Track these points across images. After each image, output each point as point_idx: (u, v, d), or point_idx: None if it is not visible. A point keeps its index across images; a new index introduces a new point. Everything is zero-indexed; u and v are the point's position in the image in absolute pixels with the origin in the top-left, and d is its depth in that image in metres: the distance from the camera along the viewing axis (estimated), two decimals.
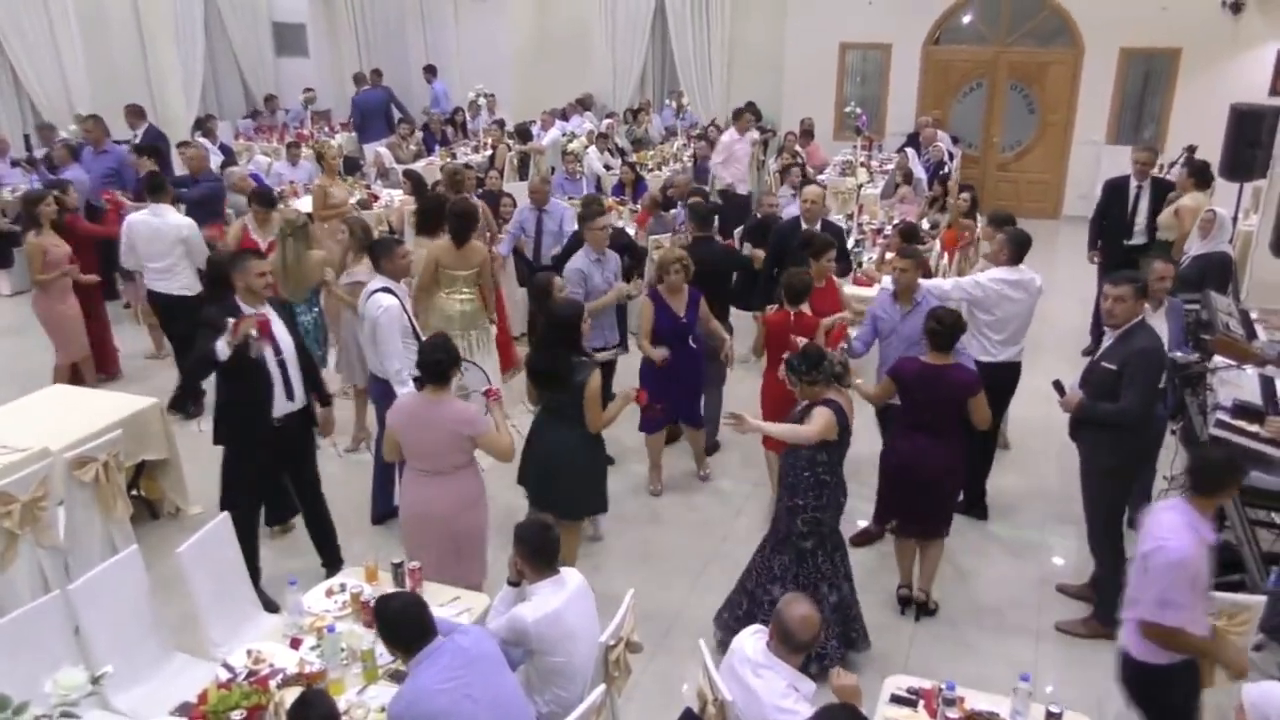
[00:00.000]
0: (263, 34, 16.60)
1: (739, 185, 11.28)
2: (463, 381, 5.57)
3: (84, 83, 12.56)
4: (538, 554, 3.68)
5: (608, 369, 6.48)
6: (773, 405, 5.63)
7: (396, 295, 5.50)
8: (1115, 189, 8.46)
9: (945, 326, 4.78)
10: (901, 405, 4.99)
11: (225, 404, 4.95)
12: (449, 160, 11.53)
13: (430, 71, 15.92)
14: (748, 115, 11.40)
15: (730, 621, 4.72)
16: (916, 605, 5.17)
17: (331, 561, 5.29)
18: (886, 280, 6.62)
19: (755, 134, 13.91)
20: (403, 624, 3.23)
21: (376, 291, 5.46)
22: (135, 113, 10.51)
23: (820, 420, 4.41)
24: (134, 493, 5.82)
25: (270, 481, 5.20)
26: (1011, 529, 5.97)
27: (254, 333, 4.66)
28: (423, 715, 3.12)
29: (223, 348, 4.59)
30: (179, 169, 9.71)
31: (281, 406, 4.91)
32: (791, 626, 3.33)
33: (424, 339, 5.05)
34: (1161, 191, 8.30)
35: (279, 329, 4.91)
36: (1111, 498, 4.88)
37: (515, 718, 3.31)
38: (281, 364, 4.89)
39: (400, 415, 4.51)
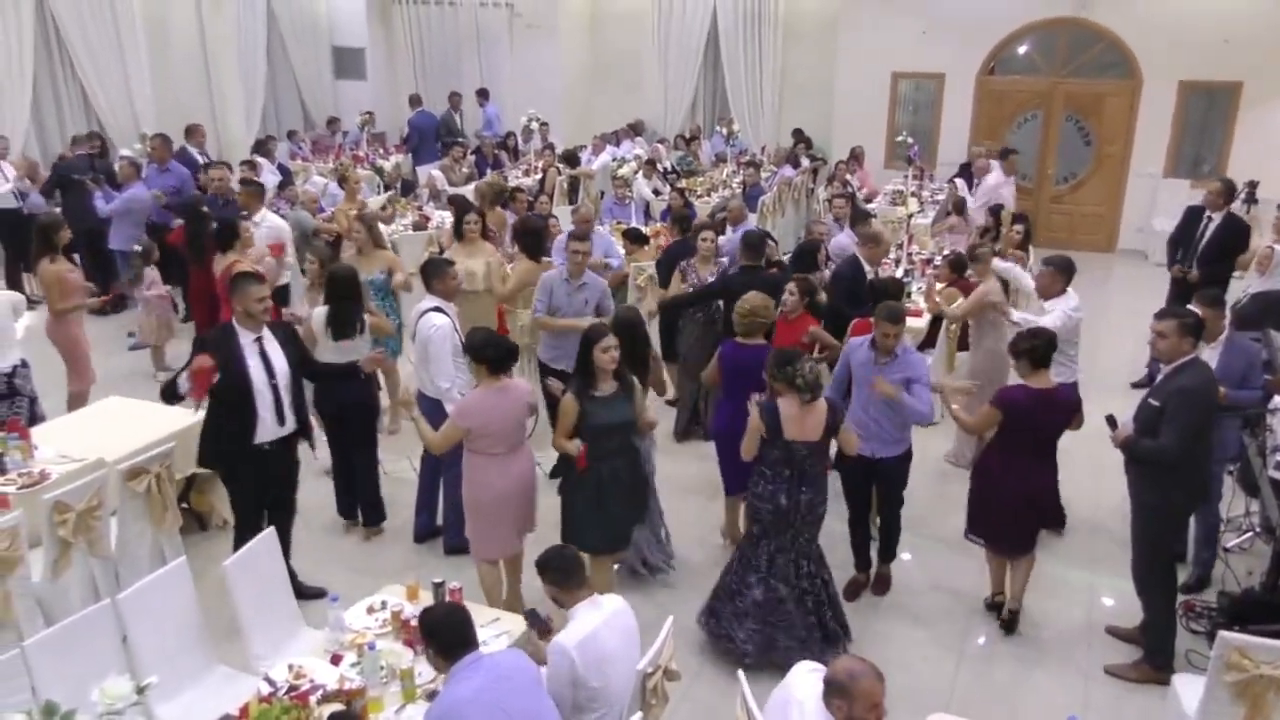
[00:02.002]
0: (323, 57, 16.96)
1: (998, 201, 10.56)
2: None
3: (149, 101, 12.90)
4: (568, 575, 3.70)
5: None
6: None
7: (447, 315, 5.58)
8: (1193, 214, 8.58)
9: (1045, 342, 4.96)
10: (1007, 431, 4.98)
11: (210, 425, 5.01)
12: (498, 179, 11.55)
13: (483, 95, 16.15)
14: (1014, 155, 10.76)
15: (707, 615, 5.05)
16: (1010, 614, 5.27)
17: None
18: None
19: (806, 162, 13.94)
20: (445, 629, 3.27)
21: (429, 311, 5.54)
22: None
23: (751, 431, 4.76)
24: (184, 505, 5.91)
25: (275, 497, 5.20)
26: (1062, 566, 5.85)
27: (186, 385, 4.71)
28: None
29: (183, 384, 4.73)
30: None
31: (270, 431, 4.91)
32: (841, 679, 3.11)
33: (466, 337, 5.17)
34: (1234, 231, 8.17)
35: (274, 353, 4.91)
36: (1156, 536, 4.77)
37: None
38: (274, 388, 4.88)
39: (478, 409, 4.75)
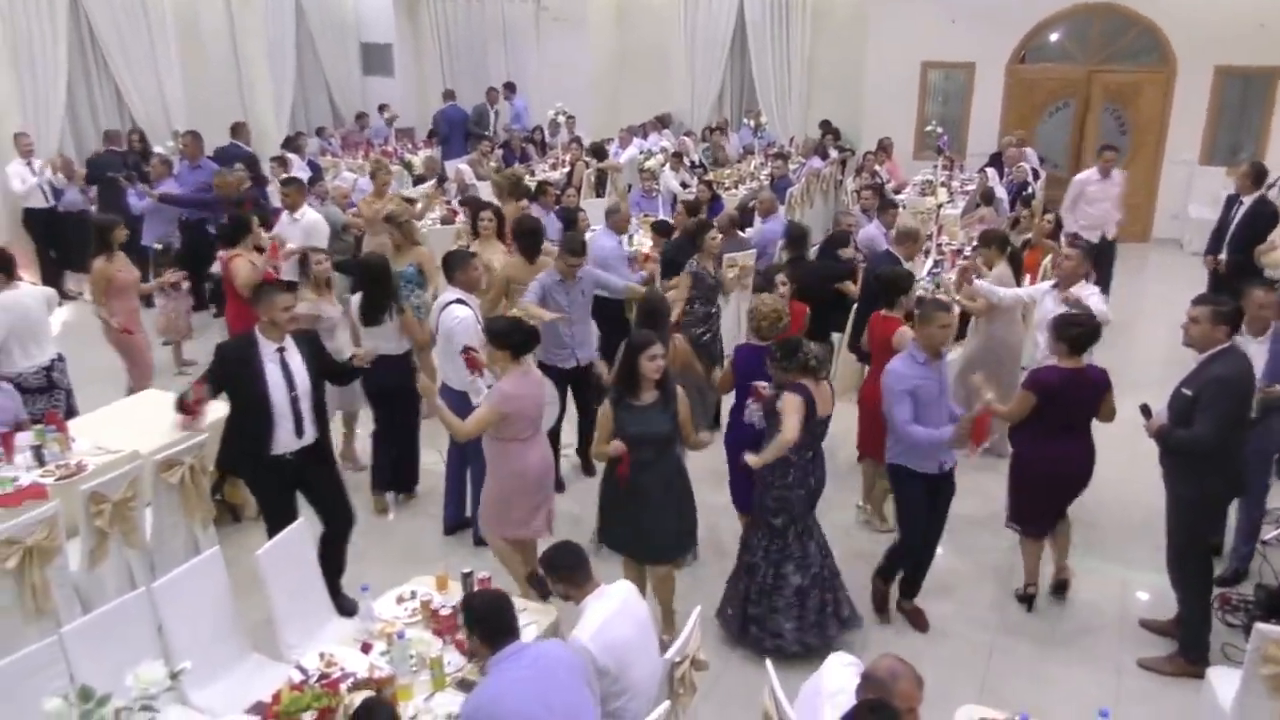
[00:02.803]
0: (351, 54, 17.07)
1: (1097, 231, 9.61)
2: None
3: (181, 98, 13.04)
4: (574, 571, 3.70)
5: (581, 380, 6.48)
6: (876, 404, 5.65)
7: (470, 306, 5.62)
8: (1231, 201, 8.52)
9: (1089, 328, 5.00)
10: (1042, 414, 4.95)
11: (228, 431, 5.01)
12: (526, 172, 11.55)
13: (510, 89, 16.19)
14: (1110, 152, 9.78)
15: (728, 610, 5.04)
16: (1062, 583, 5.40)
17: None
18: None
19: (834, 154, 13.86)
20: (488, 616, 3.28)
21: (451, 303, 5.59)
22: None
23: (792, 414, 4.61)
24: (217, 497, 5.98)
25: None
26: (1096, 559, 5.78)
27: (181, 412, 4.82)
28: (496, 717, 3.12)
29: (190, 396, 4.78)
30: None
31: (287, 443, 4.81)
32: (881, 676, 3.09)
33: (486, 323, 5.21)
34: (1262, 216, 8.04)
35: (295, 364, 4.79)
36: (1191, 528, 4.71)
37: None
38: (294, 400, 4.77)
39: (515, 394, 4.78)
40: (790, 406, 4.63)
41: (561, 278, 6.15)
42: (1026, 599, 5.36)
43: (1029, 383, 5.02)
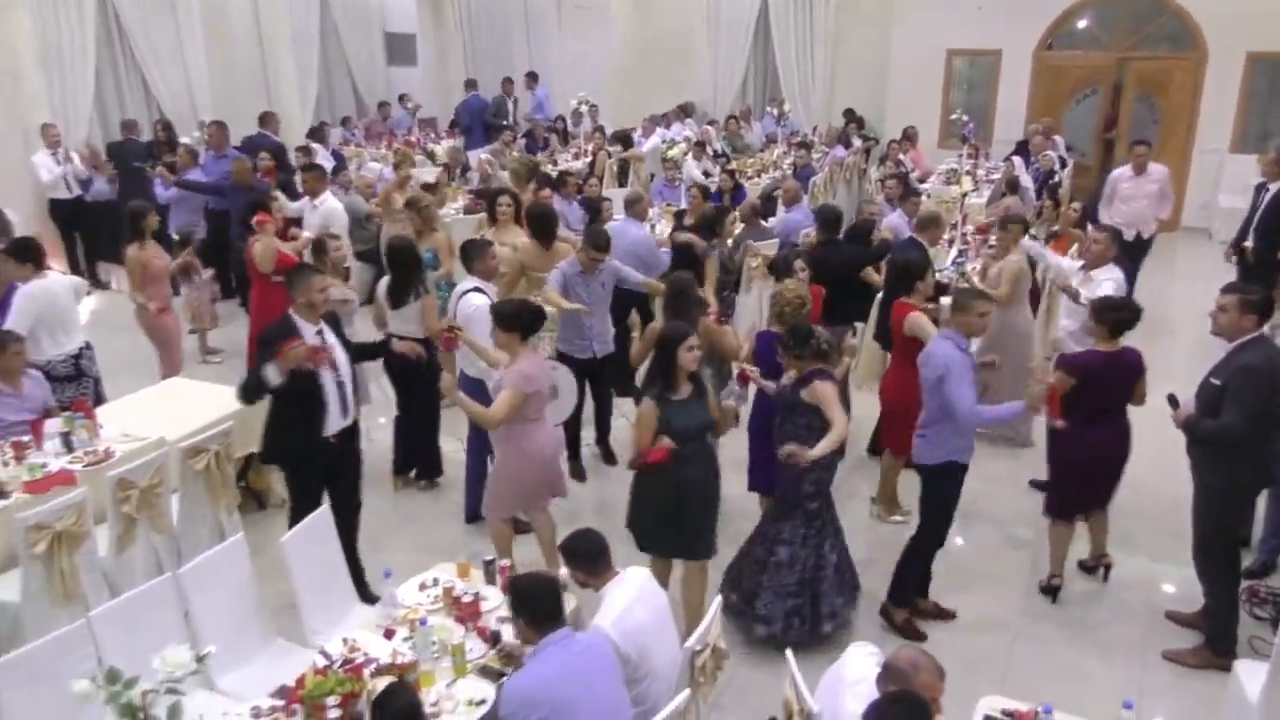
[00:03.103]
0: (375, 43, 17.11)
1: (1132, 229, 9.23)
2: (554, 380, 5.71)
3: (206, 88, 13.13)
4: (596, 557, 3.69)
5: (598, 372, 6.47)
6: (896, 395, 5.77)
7: (487, 295, 5.65)
8: (1259, 189, 8.47)
9: (1129, 312, 5.03)
10: (1081, 398, 4.93)
11: (277, 422, 4.88)
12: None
13: (532, 78, 16.19)
14: (1142, 147, 9.45)
15: (732, 594, 4.98)
16: (1106, 568, 5.47)
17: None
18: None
19: (858, 142, 13.77)
20: (534, 599, 3.28)
21: (469, 291, 5.65)
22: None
23: (834, 403, 4.65)
24: (242, 484, 6.05)
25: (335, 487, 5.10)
26: (1120, 551, 5.73)
27: (311, 352, 4.62)
28: (538, 702, 3.13)
29: (273, 375, 4.55)
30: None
31: (336, 423, 4.85)
32: (903, 667, 3.09)
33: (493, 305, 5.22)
34: None
35: (334, 343, 4.84)
36: (1219, 518, 4.66)
37: None
38: (339, 383, 4.83)
39: (532, 374, 4.84)
40: (828, 395, 4.63)
41: (582, 269, 6.15)
42: (1051, 590, 5.32)
43: (1070, 367, 4.97)
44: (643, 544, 4.84)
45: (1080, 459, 5.07)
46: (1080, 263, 6.55)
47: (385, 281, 6.22)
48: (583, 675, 3.19)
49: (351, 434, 5.05)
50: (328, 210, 8.32)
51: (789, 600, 4.82)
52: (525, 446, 4.92)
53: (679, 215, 8.86)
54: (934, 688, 3.03)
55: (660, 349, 4.61)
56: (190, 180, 9.83)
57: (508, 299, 5.26)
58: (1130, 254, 8.74)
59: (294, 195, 9.47)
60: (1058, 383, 4.89)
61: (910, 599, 5.11)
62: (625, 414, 7.15)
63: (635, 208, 7.67)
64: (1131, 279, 8.70)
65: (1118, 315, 4.97)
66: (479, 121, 15.15)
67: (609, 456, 6.83)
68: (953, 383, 4.63)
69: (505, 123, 14.66)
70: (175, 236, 9.20)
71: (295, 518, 4.92)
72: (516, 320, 4.83)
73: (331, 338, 4.85)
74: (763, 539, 4.94)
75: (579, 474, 6.53)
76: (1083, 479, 5.15)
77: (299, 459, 4.92)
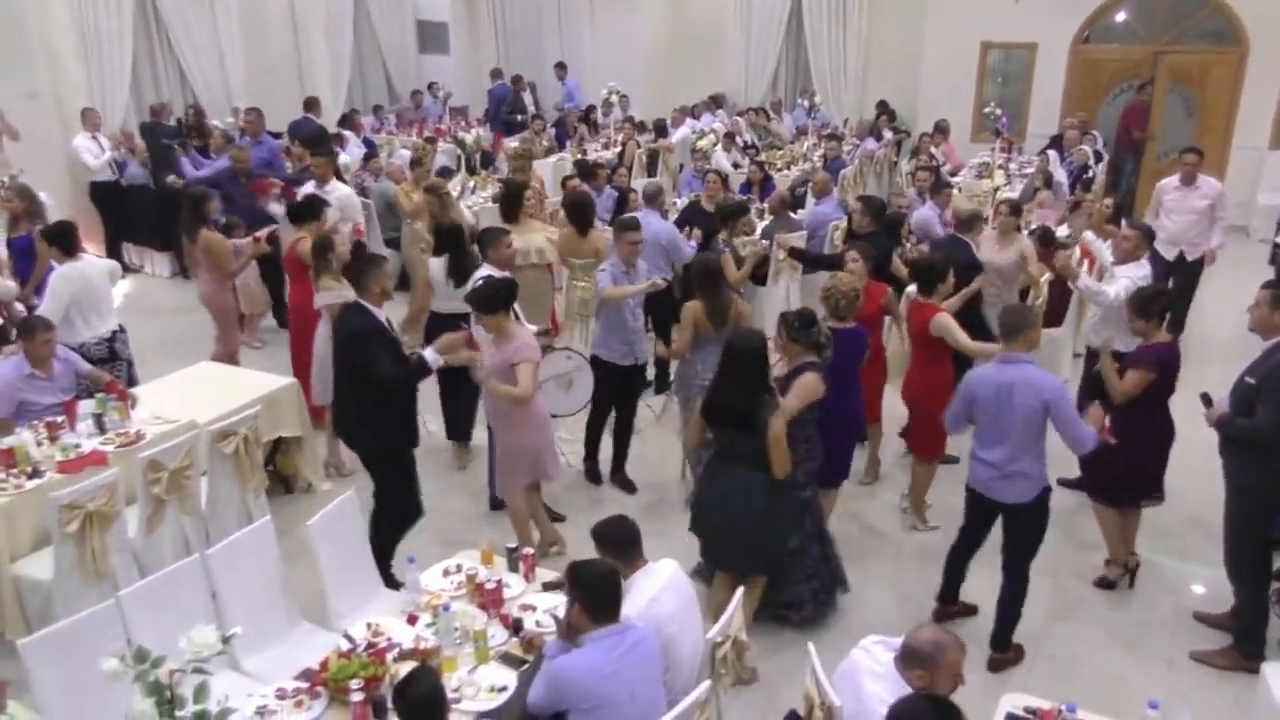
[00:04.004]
0: (408, 32, 17.16)
1: (1174, 247, 8.29)
2: (569, 372, 5.74)
3: (241, 75, 13.23)
4: (628, 545, 3.68)
5: (630, 381, 6.28)
6: (924, 396, 5.73)
7: None
8: None
9: (1168, 295, 5.18)
10: (1157, 389, 4.95)
11: (380, 414, 4.78)
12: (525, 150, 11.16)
13: (561, 69, 16.19)
14: (1193, 155, 8.22)
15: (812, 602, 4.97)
16: (1132, 573, 5.39)
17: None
18: None
19: (889, 135, 13.66)
20: (598, 587, 3.27)
21: (484, 279, 5.66)
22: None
23: (799, 390, 4.63)
24: (270, 467, 6.11)
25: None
26: (1149, 551, 5.67)
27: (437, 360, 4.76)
28: (583, 692, 3.16)
29: (434, 358, 4.73)
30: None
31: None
32: (926, 649, 3.09)
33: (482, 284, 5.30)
34: None
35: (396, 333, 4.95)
36: (1251, 520, 4.58)
37: None
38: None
39: (532, 340, 5.03)
40: (804, 387, 4.66)
41: (626, 268, 6.03)
42: (1131, 571, 5.36)
43: (1150, 361, 4.91)
44: (728, 565, 4.74)
45: (1155, 442, 5.09)
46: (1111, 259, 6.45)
47: (441, 263, 6.30)
48: (630, 676, 3.20)
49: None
50: (340, 197, 8.26)
51: (812, 581, 4.94)
52: (530, 413, 5.06)
53: (694, 202, 8.74)
54: (958, 662, 3.08)
55: (755, 364, 4.45)
56: (199, 175, 9.87)
57: (480, 285, 5.26)
58: (1174, 276, 8.16)
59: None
60: (1134, 384, 4.94)
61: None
62: (649, 404, 7.15)
63: (657, 199, 7.66)
64: (1184, 302, 8.42)
65: (1162, 302, 5.03)
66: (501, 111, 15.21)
67: (628, 485, 6.40)
68: (1067, 408, 4.37)
69: (520, 118, 14.67)
70: (221, 220, 9.26)
71: (391, 518, 4.99)
72: (497, 300, 4.97)
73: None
74: None
75: (630, 486, 6.38)
76: (1159, 460, 5.18)
77: (406, 455, 5.00)
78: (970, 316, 6.12)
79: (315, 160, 8.64)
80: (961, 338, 5.55)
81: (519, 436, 5.12)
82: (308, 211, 7.02)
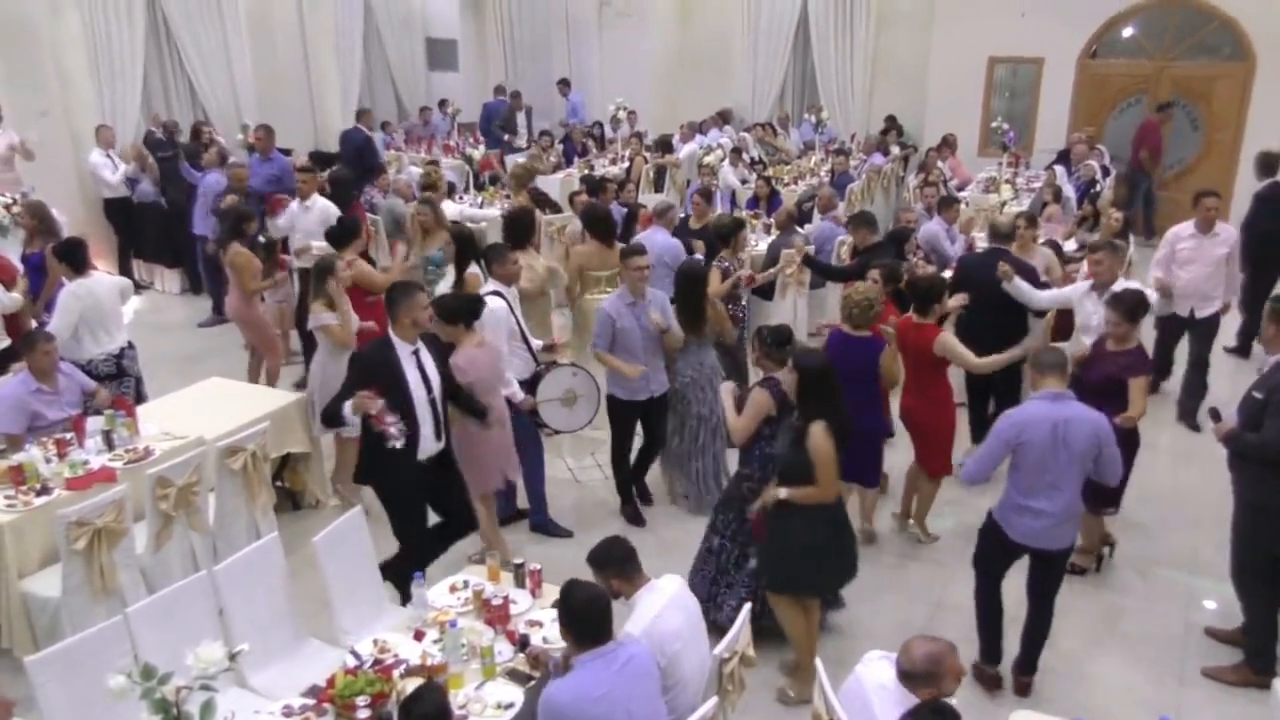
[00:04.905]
0: (417, 48, 17.28)
1: (1186, 303, 7.27)
2: (575, 386, 5.75)
3: (251, 91, 13.31)
4: (627, 562, 3.65)
5: (655, 410, 6.06)
6: (927, 416, 5.74)
7: (505, 299, 5.70)
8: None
9: (1139, 297, 5.29)
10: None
11: (371, 443, 4.67)
12: (526, 162, 11.01)
13: (565, 85, 16.27)
14: (1212, 199, 7.24)
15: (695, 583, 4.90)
16: (1109, 549, 5.59)
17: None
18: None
19: (896, 150, 13.68)
20: (586, 616, 3.25)
21: (488, 294, 5.70)
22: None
23: (750, 409, 4.68)
24: (278, 483, 6.11)
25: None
26: (1161, 566, 5.65)
27: (375, 414, 4.46)
28: (577, 717, 3.13)
29: (349, 414, 4.52)
30: None
31: (430, 446, 4.76)
32: (927, 668, 3.10)
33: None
34: None
35: (429, 364, 4.74)
36: (1257, 536, 4.56)
37: None
38: (432, 402, 4.74)
39: (466, 366, 5.06)
40: (755, 403, 4.68)
41: (632, 299, 5.81)
42: (1080, 570, 5.44)
43: (1147, 369, 5.13)
44: (803, 586, 4.54)
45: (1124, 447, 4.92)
46: (1088, 283, 6.18)
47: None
48: (623, 695, 3.17)
49: (444, 457, 4.93)
50: (320, 210, 8.19)
51: (711, 588, 4.94)
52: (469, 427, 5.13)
53: (684, 221, 8.68)
54: (958, 664, 3.12)
55: (820, 382, 4.32)
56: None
57: (447, 295, 5.52)
58: (1186, 334, 7.41)
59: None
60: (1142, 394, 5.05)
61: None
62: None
63: (665, 216, 7.67)
64: (1200, 368, 7.39)
65: (1140, 306, 5.20)
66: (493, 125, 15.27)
67: (645, 495, 6.38)
68: (1114, 445, 4.26)
69: (506, 136, 14.69)
70: (262, 239, 9.32)
71: (409, 549, 4.86)
72: (459, 314, 5.12)
73: (427, 359, 4.75)
74: (708, 527, 5.08)
75: (638, 519, 6.18)
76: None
77: (394, 482, 4.80)
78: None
79: (299, 177, 8.66)
80: (967, 355, 5.54)
81: (475, 447, 5.18)
82: (348, 233, 6.85)
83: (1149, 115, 12.69)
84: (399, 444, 4.47)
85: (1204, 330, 7.28)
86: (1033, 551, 4.39)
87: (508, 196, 11.07)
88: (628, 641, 3.32)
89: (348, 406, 4.49)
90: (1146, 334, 6.55)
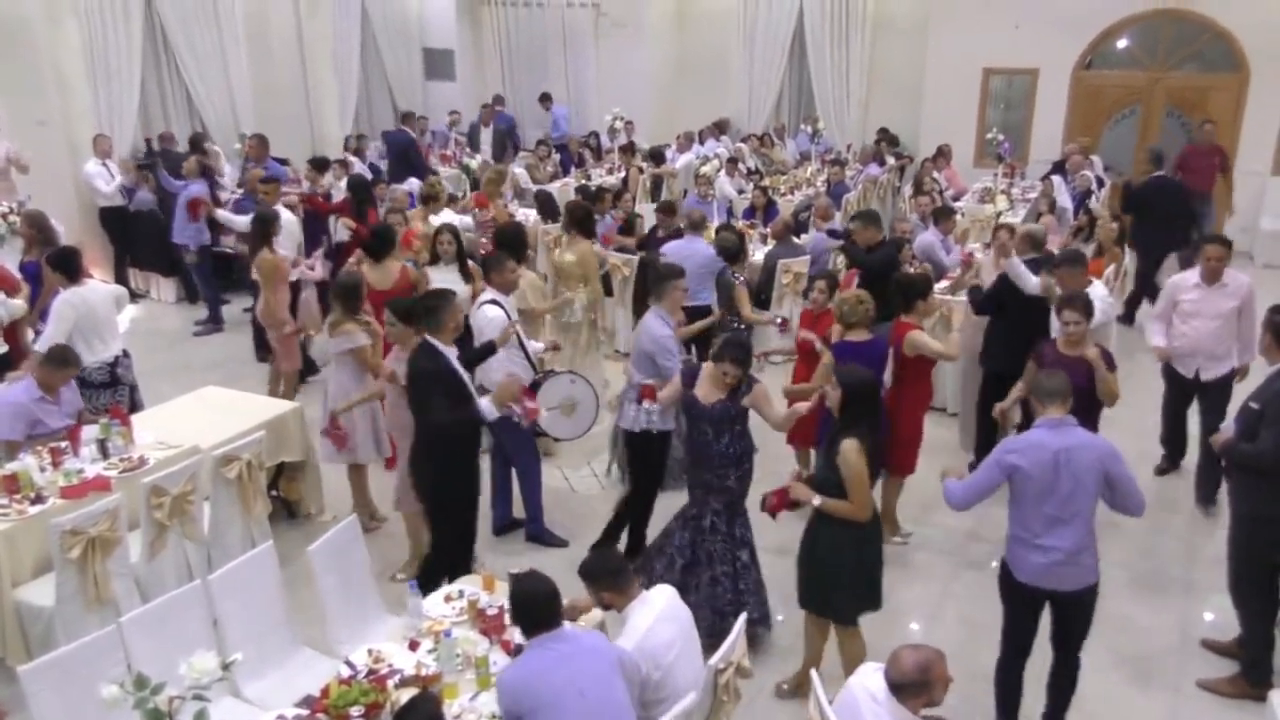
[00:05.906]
0: (414, 59, 17.29)
1: (1191, 361, 6.28)
2: (573, 394, 5.73)
3: (249, 101, 13.33)
4: (617, 576, 3.64)
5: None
6: (902, 414, 5.73)
7: (503, 307, 5.70)
8: None
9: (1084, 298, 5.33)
10: None
11: (440, 457, 4.75)
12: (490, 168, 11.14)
13: (546, 99, 16.30)
14: (1218, 248, 6.15)
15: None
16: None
17: None
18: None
19: (891, 160, 13.72)
20: (530, 605, 3.33)
21: (486, 303, 5.71)
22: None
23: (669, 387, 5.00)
24: (273, 493, 6.10)
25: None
26: (1157, 578, 5.65)
27: (518, 410, 4.72)
28: (528, 695, 3.17)
29: (489, 409, 4.69)
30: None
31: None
32: (918, 677, 3.10)
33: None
34: None
35: (462, 369, 4.88)
36: (1253, 546, 4.56)
37: None
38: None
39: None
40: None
41: (671, 317, 5.59)
42: None
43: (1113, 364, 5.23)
44: (856, 608, 4.43)
45: None
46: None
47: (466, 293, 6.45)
48: (572, 670, 3.20)
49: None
50: (284, 222, 8.12)
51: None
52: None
53: (653, 230, 8.70)
54: (945, 671, 3.14)
55: (867, 397, 4.31)
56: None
57: (401, 298, 5.57)
58: (1199, 401, 6.43)
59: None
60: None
61: None
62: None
63: (700, 227, 7.70)
64: (1211, 452, 5.96)
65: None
66: (498, 138, 15.30)
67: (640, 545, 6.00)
68: (1125, 467, 4.00)
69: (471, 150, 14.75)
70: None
71: (443, 564, 4.84)
72: (411, 315, 5.07)
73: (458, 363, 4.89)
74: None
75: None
76: None
77: (464, 495, 4.94)
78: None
79: (262, 187, 8.71)
80: (934, 345, 5.66)
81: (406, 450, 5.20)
82: (383, 244, 6.91)
83: (1192, 140, 11.90)
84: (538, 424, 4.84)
85: (1214, 398, 6.25)
86: (1047, 595, 4.10)
87: (505, 206, 11.09)
88: (581, 633, 3.39)
89: (485, 402, 4.72)
90: (1144, 376, 6.53)
